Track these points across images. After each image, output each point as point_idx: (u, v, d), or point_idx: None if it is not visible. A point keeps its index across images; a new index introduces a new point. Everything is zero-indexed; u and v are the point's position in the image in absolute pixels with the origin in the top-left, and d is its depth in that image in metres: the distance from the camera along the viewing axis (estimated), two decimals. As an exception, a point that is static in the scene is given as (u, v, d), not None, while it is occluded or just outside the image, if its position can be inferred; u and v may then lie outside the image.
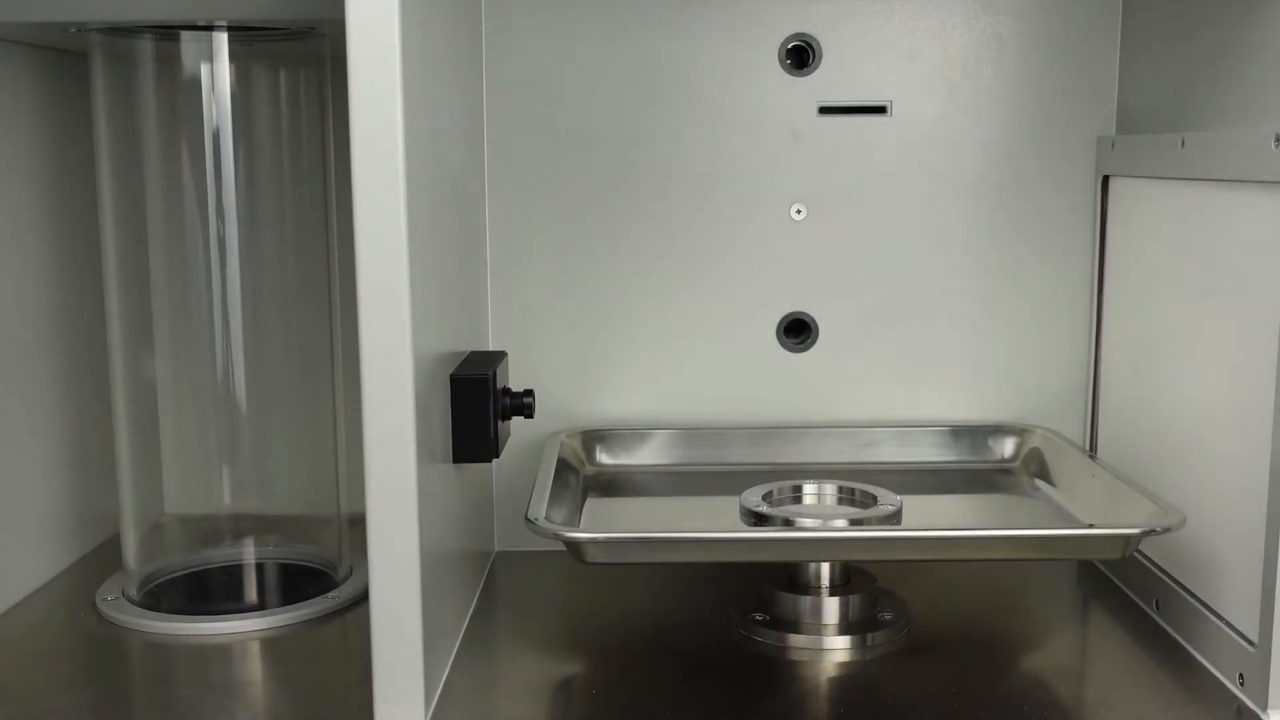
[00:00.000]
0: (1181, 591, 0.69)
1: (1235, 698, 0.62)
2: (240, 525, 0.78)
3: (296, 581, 0.77)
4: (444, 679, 0.63)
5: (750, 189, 0.83)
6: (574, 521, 0.73)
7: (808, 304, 0.84)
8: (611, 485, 0.81)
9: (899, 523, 0.70)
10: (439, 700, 0.61)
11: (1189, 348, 0.70)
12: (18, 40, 0.75)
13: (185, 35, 0.70)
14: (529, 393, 0.71)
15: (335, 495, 0.78)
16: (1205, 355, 0.68)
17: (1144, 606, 0.74)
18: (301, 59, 0.74)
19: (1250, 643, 0.61)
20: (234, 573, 0.78)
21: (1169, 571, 0.71)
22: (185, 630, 0.71)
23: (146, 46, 0.70)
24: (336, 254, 0.76)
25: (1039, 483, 0.80)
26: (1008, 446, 0.84)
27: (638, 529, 0.72)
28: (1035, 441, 0.83)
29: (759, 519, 0.70)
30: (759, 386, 0.85)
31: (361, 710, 0.57)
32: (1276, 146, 0.58)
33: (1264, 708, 0.59)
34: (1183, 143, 0.68)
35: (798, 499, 0.75)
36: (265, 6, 0.65)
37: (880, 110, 0.82)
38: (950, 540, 0.64)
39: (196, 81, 0.70)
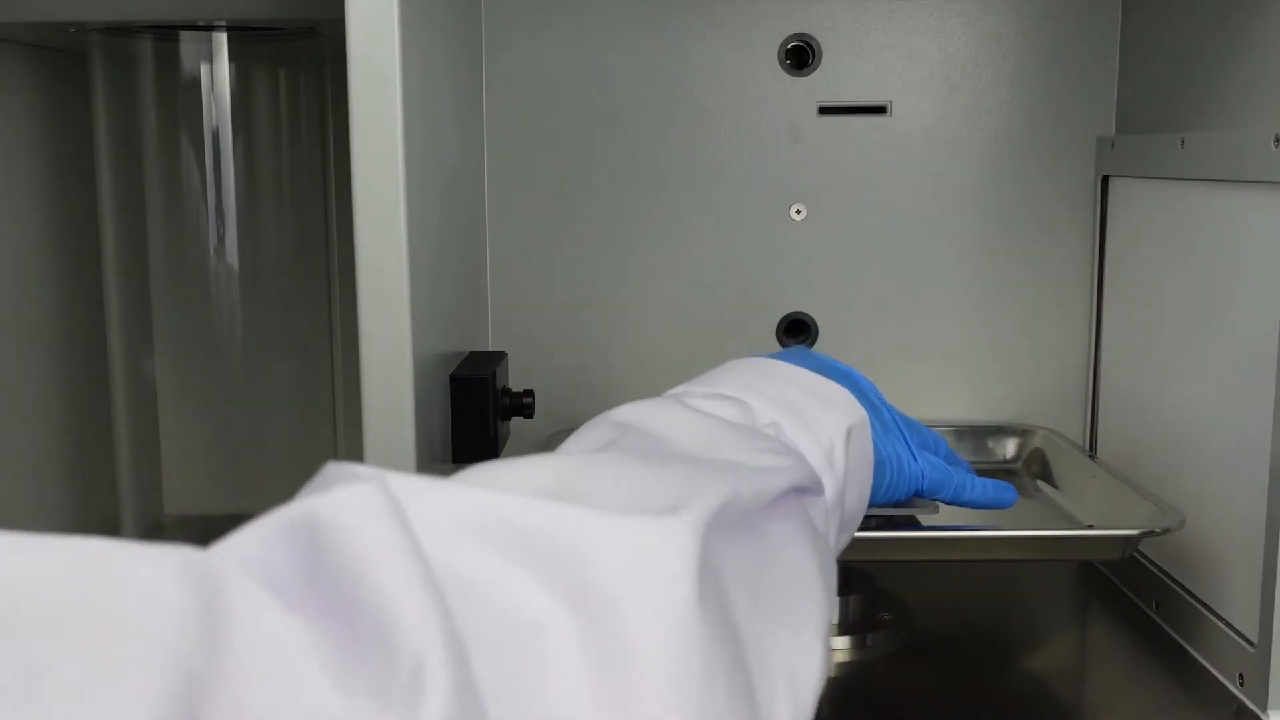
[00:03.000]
0: (1181, 591, 0.69)
1: (1235, 698, 0.62)
2: (240, 525, 0.78)
3: (296, 581, 0.76)
4: (444, 679, 0.63)
5: (750, 189, 0.83)
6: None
7: (808, 304, 0.84)
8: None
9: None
10: (439, 700, 0.61)
11: (1189, 348, 0.70)
12: (18, 40, 0.75)
13: (185, 35, 0.70)
14: (529, 393, 0.71)
15: (335, 495, 0.78)
16: (1205, 355, 0.68)
17: (1144, 607, 0.74)
18: (301, 59, 0.74)
19: (1250, 643, 0.61)
20: (234, 573, 0.78)
21: (1169, 572, 0.71)
22: (185, 630, 0.71)
23: (146, 46, 0.70)
24: (336, 254, 0.76)
25: (1040, 484, 0.80)
26: (1009, 447, 0.84)
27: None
28: (1037, 442, 0.83)
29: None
30: (759, 386, 0.85)
31: (361, 710, 0.57)
32: (1276, 146, 0.58)
33: (1264, 708, 0.59)
34: (1182, 143, 0.68)
35: None
36: (265, 6, 0.65)
37: (880, 110, 0.82)
38: (950, 540, 0.64)
39: (196, 81, 0.70)
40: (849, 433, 0.47)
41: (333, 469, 0.30)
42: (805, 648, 0.35)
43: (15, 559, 0.22)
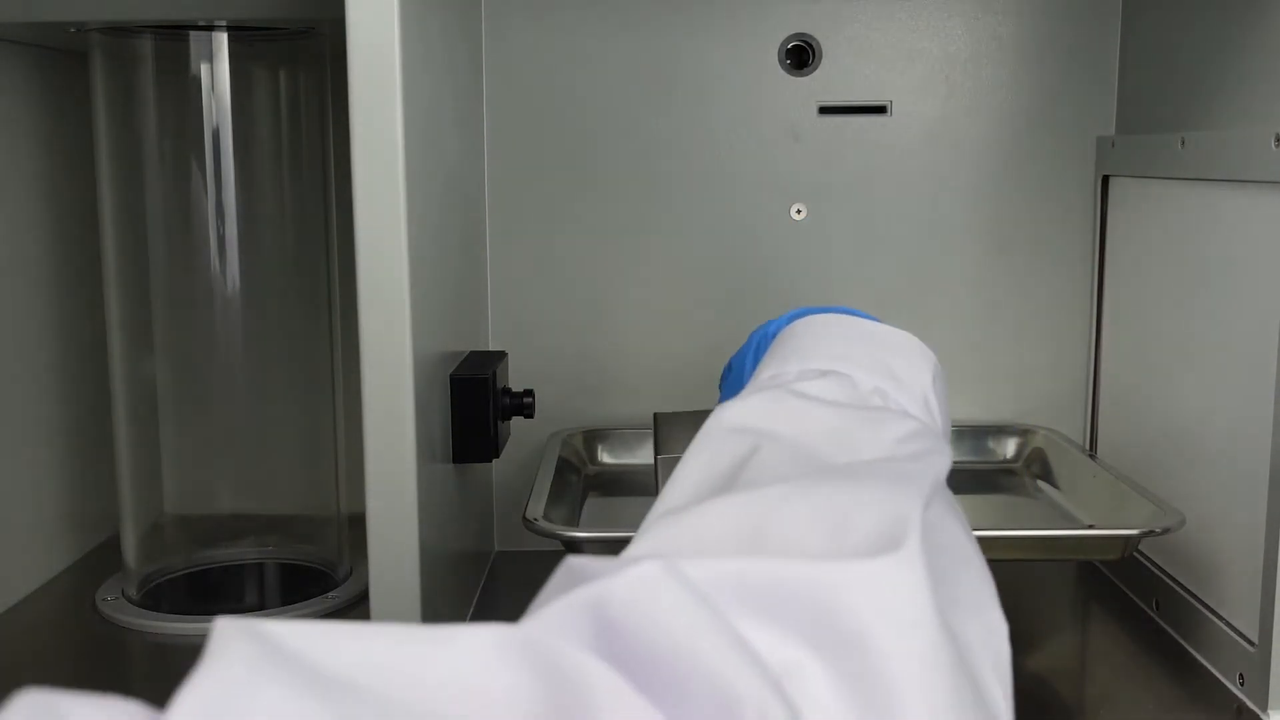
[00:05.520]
0: (1181, 591, 0.69)
1: (1235, 698, 0.62)
2: (240, 525, 0.78)
3: (296, 581, 0.77)
4: (444, 679, 0.63)
5: (750, 189, 0.83)
6: (574, 521, 0.73)
7: (808, 303, 0.84)
8: (614, 484, 0.81)
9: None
10: (439, 700, 0.61)
11: (1189, 348, 0.70)
12: (18, 40, 0.75)
13: (185, 35, 0.70)
14: (529, 393, 0.71)
15: (335, 495, 0.78)
16: (1205, 355, 0.68)
17: (1144, 606, 0.74)
18: (301, 59, 0.74)
19: (1250, 643, 0.61)
20: (234, 573, 0.78)
21: (1169, 571, 0.71)
22: (185, 630, 0.71)
23: (146, 46, 0.70)
24: (336, 254, 0.76)
25: (1041, 484, 0.80)
26: (1010, 447, 0.84)
27: (635, 528, 0.71)
28: (1037, 442, 0.83)
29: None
30: (759, 386, 0.85)
31: (361, 710, 0.57)
32: (1276, 146, 0.58)
33: (1264, 708, 0.59)
34: (1183, 143, 0.68)
35: None
36: (265, 6, 0.65)
37: (880, 110, 0.82)
38: (950, 540, 0.64)
39: (196, 81, 0.70)
40: (933, 380, 0.48)
41: (573, 561, 0.30)
42: (993, 628, 0.35)
43: (345, 650, 0.24)
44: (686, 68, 0.82)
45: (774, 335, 0.56)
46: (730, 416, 0.42)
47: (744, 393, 0.45)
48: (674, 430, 0.68)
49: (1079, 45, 0.81)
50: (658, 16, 0.81)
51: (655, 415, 0.71)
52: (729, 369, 0.63)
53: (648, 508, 0.81)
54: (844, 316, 0.52)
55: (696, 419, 0.66)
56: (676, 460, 0.64)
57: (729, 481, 0.38)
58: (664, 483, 0.64)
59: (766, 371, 0.48)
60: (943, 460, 0.39)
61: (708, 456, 0.40)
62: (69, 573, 0.81)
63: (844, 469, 0.38)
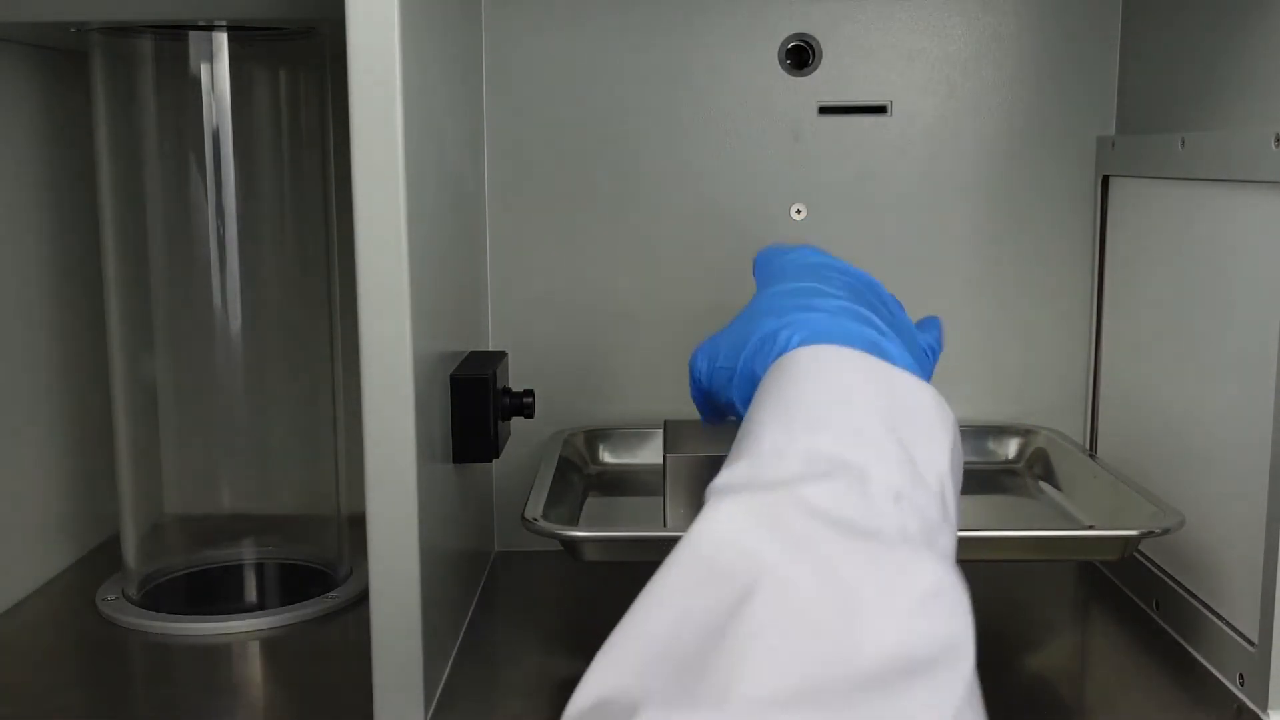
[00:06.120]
0: (1181, 591, 0.69)
1: (1235, 698, 0.62)
2: (240, 525, 0.78)
3: (296, 581, 0.77)
4: (444, 679, 0.63)
5: (750, 189, 0.83)
6: (574, 520, 0.73)
7: (808, 304, 0.84)
8: (615, 484, 0.81)
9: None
10: (439, 700, 0.61)
11: (1189, 348, 0.70)
12: (18, 40, 0.75)
13: (185, 35, 0.70)
14: (529, 393, 0.71)
15: (335, 495, 0.78)
16: (1205, 355, 0.68)
17: (1144, 606, 0.74)
18: (301, 59, 0.74)
19: (1250, 643, 0.61)
20: (234, 573, 0.78)
21: (1169, 571, 0.71)
22: (185, 630, 0.71)
23: (146, 46, 0.70)
24: (336, 254, 0.76)
25: (1042, 484, 0.80)
26: (1011, 448, 0.84)
27: (635, 528, 0.72)
28: (1039, 443, 0.83)
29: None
30: (759, 386, 0.85)
31: (361, 710, 0.57)
32: (1276, 146, 0.58)
33: (1264, 708, 0.59)
34: (1183, 143, 0.68)
35: None
36: (265, 6, 0.65)
37: (880, 110, 0.82)
38: (950, 540, 0.64)
39: (196, 81, 0.70)
40: (951, 454, 0.44)
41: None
42: None
43: None
44: (686, 68, 0.82)
45: (782, 263, 0.57)
46: (720, 530, 0.36)
47: (737, 480, 0.39)
48: (683, 436, 0.68)
49: (1079, 45, 0.81)
50: (657, 17, 0.81)
51: (665, 423, 0.71)
52: (765, 259, 0.63)
53: (649, 508, 0.81)
54: (860, 357, 0.46)
55: (707, 428, 0.67)
56: (685, 459, 0.65)
57: (709, 639, 0.33)
58: (672, 482, 0.65)
59: (766, 436, 0.41)
60: (966, 641, 0.36)
61: (686, 592, 0.35)
62: (69, 573, 0.81)
63: (854, 683, 0.32)
